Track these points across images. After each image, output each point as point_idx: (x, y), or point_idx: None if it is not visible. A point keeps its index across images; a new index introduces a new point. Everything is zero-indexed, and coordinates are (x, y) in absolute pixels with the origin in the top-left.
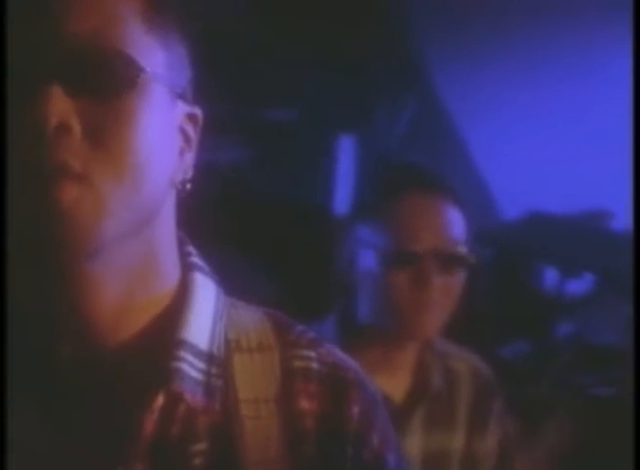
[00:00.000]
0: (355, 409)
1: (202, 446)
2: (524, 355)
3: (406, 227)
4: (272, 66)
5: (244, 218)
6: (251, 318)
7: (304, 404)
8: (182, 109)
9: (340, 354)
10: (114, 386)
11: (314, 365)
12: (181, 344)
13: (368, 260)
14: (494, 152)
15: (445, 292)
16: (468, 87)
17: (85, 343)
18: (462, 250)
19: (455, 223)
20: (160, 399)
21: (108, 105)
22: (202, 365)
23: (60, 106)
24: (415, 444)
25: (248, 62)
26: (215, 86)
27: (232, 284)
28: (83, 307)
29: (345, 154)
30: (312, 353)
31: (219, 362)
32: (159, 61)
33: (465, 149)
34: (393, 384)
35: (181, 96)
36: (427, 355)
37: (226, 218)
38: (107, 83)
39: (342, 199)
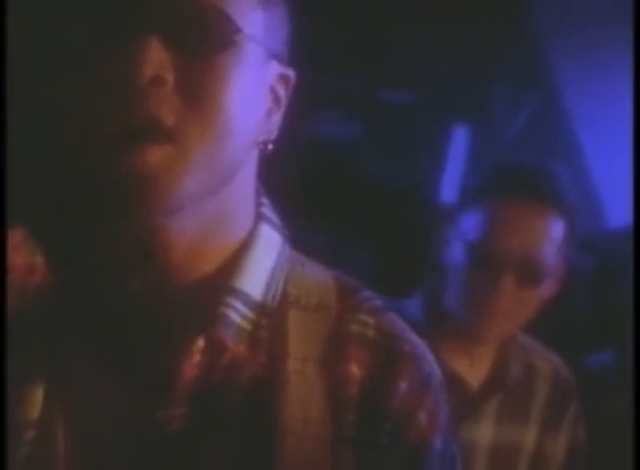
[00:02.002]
0: (403, 385)
1: (243, 395)
2: (608, 366)
3: (500, 231)
4: (394, 47)
5: (345, 192)
6: (317, 277)
7: (353, 370)
8: (275, 69)
9: (402, 327)
10: (163, 326)
11: (370, 332)
12: (232, 291)
13: (457, 252)
14: (609, 155)
15: (521, 302)
16: (591, 88)
17: (155, 281)
18: (549, 265)
19: (552, 236)
20: (201, 343)
21: (203, 61)
22: (251, 315)
23: (157, 58)
24: (485, 433)
25: (371, 39)
26: (334, 60)
27: (309, 245)
28: (159, 250)
29: (457, 144)
30: (371, 320)
31: (271, 314)
32: (257, 21)
33: (580, 151)
34: (473, 371)
35: (275, 56)
36: (509, 348)
37: (327, 190)
38: (204, 40)
39: (447, 188)
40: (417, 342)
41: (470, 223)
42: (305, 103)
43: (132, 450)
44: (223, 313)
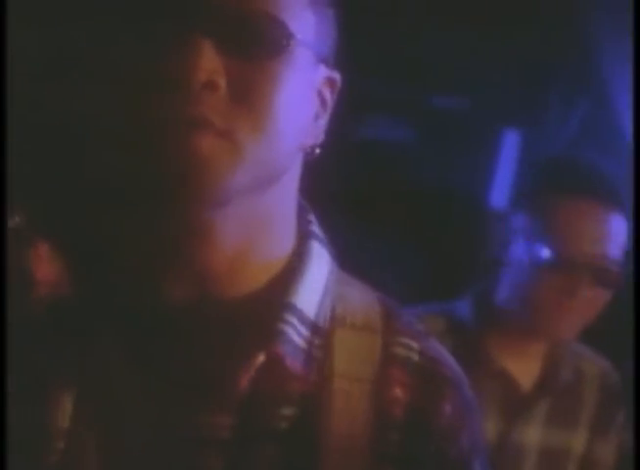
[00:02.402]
0: (447, 407)
1: (290, 411)
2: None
3: (567, 233)
4: (445, 51)
5: (394, 196)
6: (362, 298)
7: (397, 392)
8: (323, 73)
9: (443, 352)
10: (215, 338)
11: (414, 356)
12: (290, 307)
13: (518, 252)
14: None
15: (591, 302)
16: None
17: (197, 291)
18: (618, 265)
19: (618, 236)
20: (261, 359)
21: (255, 66)
22: (306, 333)
23: (210, 63)
24: (534, 434)
25: (421, 43)
26: (384, 65)
27: (356, 262)
28: (201, 255)
29: (508, 148)
30: (415, 344)
31: (323, 333)
32: (308, 26)
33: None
34: (523, 371)
35: (324, 60)
36: (560, 350)
37: (376, 194)
38: (257, 45)
39: (498, 191)
40: (457, 368)
41: (531, 224)
42: (355, 107)
43: (173, 457)
44: (283, 330)
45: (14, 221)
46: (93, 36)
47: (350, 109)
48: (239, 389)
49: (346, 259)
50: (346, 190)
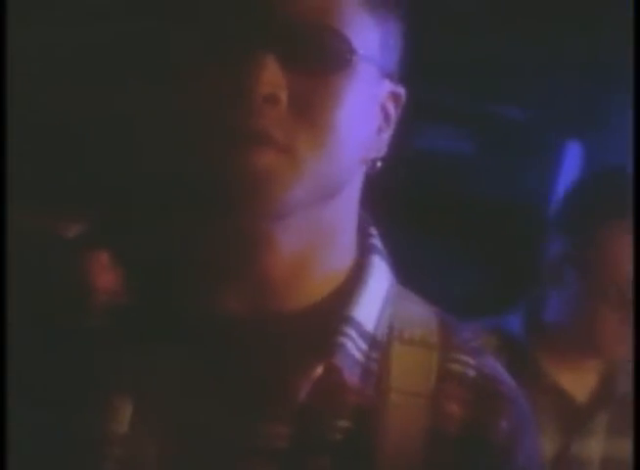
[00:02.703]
0: (503, 423)
1: (346, 423)
2: None
3: (619, 257)
4: (506, 62)
5: (456, 208)
6: (420, 313)
7: (453, 408)
8: (387, 87)
9: (499, 369)
10: (274, 349)
11: (471, 372)
12: (349, 321)
13: (571, 273)
14: None
15: None
16: None
17: (256, 302)
18: None
19: None
20: (319, 371)
21: (317, 81)
22: (364, 346)
23: (272, 77)
24: (596, 446)
25: (482, 54)
26: (447, 76)
27: (415, 276)
28: (261, 266)
29: (570, 158)
30: (472, 361)
31: (380, 347)
32: (373, 41)
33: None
34: (577, 384)
35: (388, 75)
36: (617, 364)
37: (437, 207)
38: (320, 60)
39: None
40: (513, 384)
41: (582, 242)
42: (416, 118)
43: (229, 466)
44: (342, 343)
45: (73, 231)
46: (158, 45)
47: (411, 120)
48: (296, 400)
49: (405, 274)
50: (407, 202)
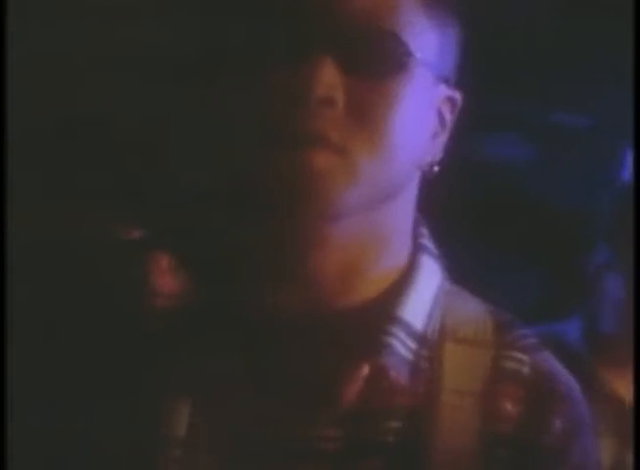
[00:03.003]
0: (558, 423)
1: (397, 424)
2: None
3: None
4: (568, 69)
5: (510, 212)
6: (473, 311)
7: (507, 407)
8: (443, 92)
9: (556, 366)
10: (321, 348)
11: (525, 370)
12: (396, 321)
13: (614, 284)
14: None
15: None
16: None
17: (308, 302)
18: None
19: None
20: (365, 371)
21: (373, 83)
22: (413, 345)
23: (329, 79)
24: None
25: (544, 61)
26: (508, 83)
27: (467, 275)
28: (314, 266)
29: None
30: (526, 358)
31: (431, 346)
32: (430, 45)
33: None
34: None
35: (445, 80)
36: None
37: (496, 212)
38: (377, 63)
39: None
40: (572, 383)
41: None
42: (477, 125)
43: (282, 468)
44: (388, 343)
45: (133, 234)
46: (216, 47)
47: (472, 126)
48: (345, 401)
49: (461, 274)
50: (467, 206)
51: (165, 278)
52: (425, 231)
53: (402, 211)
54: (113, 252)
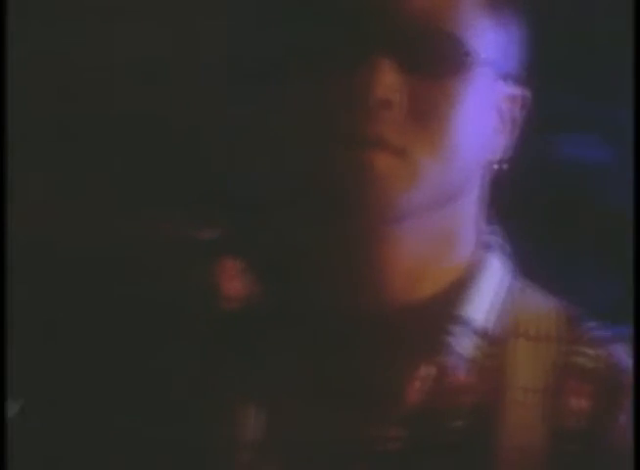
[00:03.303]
0: (622, 418)
1: (462, 423)
2: None
3: None
4: None
5: (587, 214)
6: (540, 306)
7: (573, 403)
8: (507, 90)
9: (627, 359)
10: (385, 348)
11: (592, 364)
12: (457, 319)
13: None
14: None
15: None
16: None
17: (371, 301)
18: None
19: None
20: (425, 370)
21: (434, 84)
22: (476, 344)
23: (388, 80)
24: None
25: (620, 60)
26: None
27: (538, 272)
28: (376, 265)
29: None
30: (595, 352)
31: (495, 343)
32: (492, 43)
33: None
34: None
35: (508, 77)
36: None
37: (570, 214)
38: (436, 64)
39: None
40: None
41: None
42: (551, 125)
43: (348, 469)
44: (449, 342)
45: (202, 238)
46: (274, 48)
47: (546, 126)
48: (409, 401)
49: (531, 270)
50: (539, 205)
51: (234, 281)
52: (492, 228)
53: (467, 210)
54: (182, 255)
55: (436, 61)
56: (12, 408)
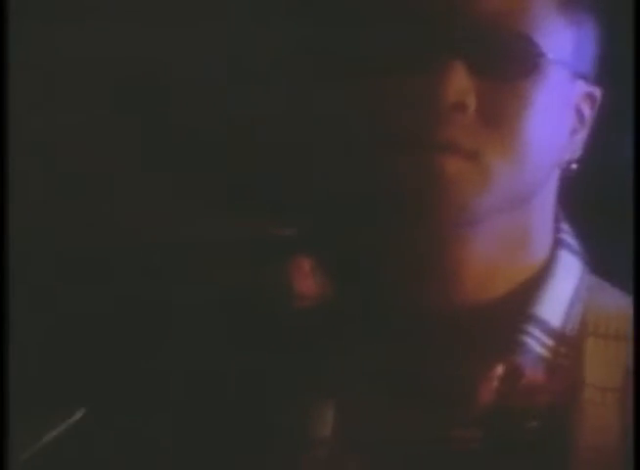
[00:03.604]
0: None
1: (536, 423)
2: None
3: None
4: None
5: None
6: (615, 305)
7: None
8: (580, 88)
9: None
10: (458, 347)
11: None
12: (532, 319)
13: None
14: None
15: None
16: None
17: (444, 300)
18: None
19: None
20: (500, 370)
21: (506, 86)
22: (550, 343)
23: (460, 84)
24: None
25: None
26: None
27: (606, 268)
28: (450, 266)
29: None
30: None
31: (570, 343)
32: (565, 42)
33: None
34: None
35: (581, 76)
36: None
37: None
38: (508, 66)
39: None
40: None
41: None
42: (620, 123)
43: (422, 468)
44: (523, 341)
45: (280, 233)
46: (344, 52)
47: (615, 124)
48: (482, 400)
49: (601, 267)
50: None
51: (308, 281)
52: (565, 227)
53: (541, 210)
54: (257, 254)
55: (509, 62)
56: (74, 416)
